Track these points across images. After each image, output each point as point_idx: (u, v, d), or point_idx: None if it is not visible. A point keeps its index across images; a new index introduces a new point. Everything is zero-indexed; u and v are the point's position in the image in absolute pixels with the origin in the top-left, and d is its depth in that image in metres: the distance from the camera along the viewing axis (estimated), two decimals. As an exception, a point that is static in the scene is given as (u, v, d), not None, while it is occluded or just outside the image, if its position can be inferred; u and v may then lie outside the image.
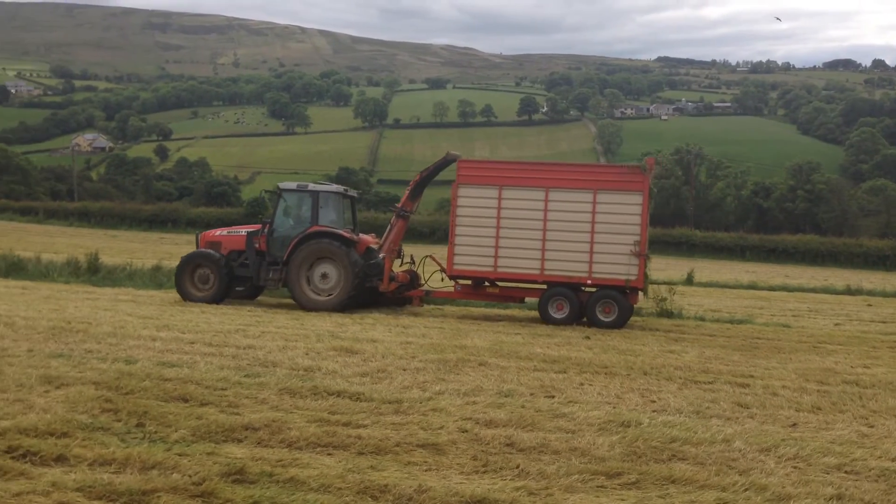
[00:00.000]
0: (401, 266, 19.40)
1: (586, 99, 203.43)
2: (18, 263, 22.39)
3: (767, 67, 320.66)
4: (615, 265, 16.28)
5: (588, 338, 14.63)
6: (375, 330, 14.42)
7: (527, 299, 17.92)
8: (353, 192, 19.36)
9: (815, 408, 9.32)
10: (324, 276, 17.50)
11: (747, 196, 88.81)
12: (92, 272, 21.85)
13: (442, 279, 18.65)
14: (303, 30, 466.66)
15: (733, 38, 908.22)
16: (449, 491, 5.92)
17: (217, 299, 17.75)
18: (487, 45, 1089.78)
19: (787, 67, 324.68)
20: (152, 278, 21.72)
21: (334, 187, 19.08)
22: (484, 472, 6.49)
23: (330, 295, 17.45)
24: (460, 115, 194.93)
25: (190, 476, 5.96)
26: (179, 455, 6.45)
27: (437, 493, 5.87)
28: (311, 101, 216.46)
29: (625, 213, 16.30)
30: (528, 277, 16.93)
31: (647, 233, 16.43)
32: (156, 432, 7.10)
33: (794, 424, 8.53)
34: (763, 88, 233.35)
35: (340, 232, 17.62)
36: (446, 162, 18.52)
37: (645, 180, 16.32)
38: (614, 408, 8.85)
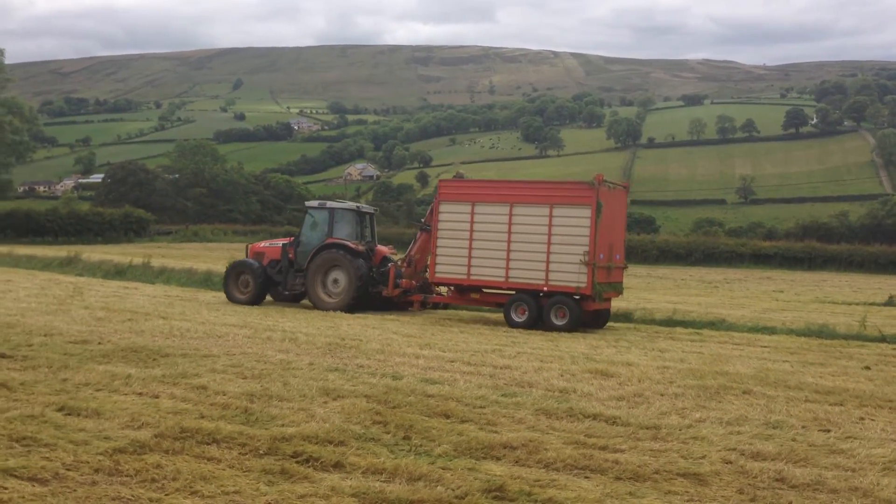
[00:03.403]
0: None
1: (863, 108, 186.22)
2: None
3: None
4: (567, 273, 17.60)
5: (868, 368, 13.34)
6: (630, 353, 14.16)
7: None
8: (368, 209, 21.82)
9: None
10: (335, 281, 19.99)
11: None
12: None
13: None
14: (555, 54, 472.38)
15: None
16: (712, 524, 5.66)
17: (255, 301, 20.56)
18: (749, 56, 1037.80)
19: None
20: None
21: (349, 204, 21.61)
22: (751, 508, 6.14)
23: (339, 297, 19.71)
24: (719, 132, 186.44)
25: (453, 490, 6.20)
26: (443, 469, 6.73)
27: (700, 526, 5.63)
28: (563, 124, 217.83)
29: (575, 225, 17.59)
30: (495, 284, 18.65)
31: (596, 243, 17.31)
32: (421, 445, 7.47)
33: None
34: None
35: (348, 243, 19.99)
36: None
37: (593, 195, 17.42)
38: (902, 447, 7.99)
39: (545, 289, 17.82)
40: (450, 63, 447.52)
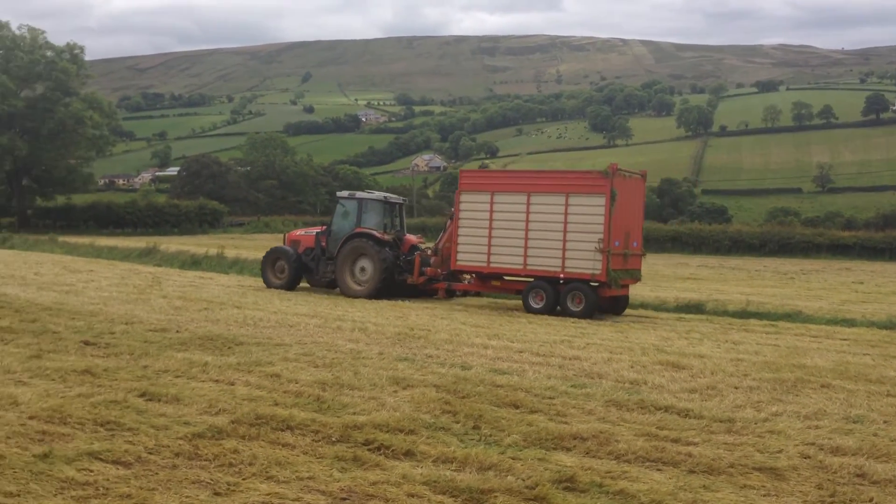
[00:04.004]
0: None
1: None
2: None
3: None
4: (582, 261, 18.02)
5: (955, 363, 12.82)
6: (703, 345, 13.91)
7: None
8: (396, 199, 22.44)
9: None
10: (363, 269, 20.61)
11: None
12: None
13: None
14: (624, 41, 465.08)
15: None
16: (790, 520, 5.54)
17: (289, 286, 21.35)
18: (826, 40, 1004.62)
19: None
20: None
21: (377, 195, 22.25)
22: (831, 504, 5.98)
23: (366, 285, 20.27)
24: (794, 119, 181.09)
25: (523, 480, 6.20)
26: (513, 459, 6.73)
27: (777, 522, 5.52)
28: (632, 113, 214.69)
29: (590, 213, 17.99)
30: (513, 271, 19.11)
31: (610, 231, 17.69)
32: (490, 435, 7.49)
33: None
34: None
35: (375, 233, 20.62)
36: None
37: (607, 184, 17.82)
38: None
39: (562, 276, 18.29)
40: (516, 53, 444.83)
